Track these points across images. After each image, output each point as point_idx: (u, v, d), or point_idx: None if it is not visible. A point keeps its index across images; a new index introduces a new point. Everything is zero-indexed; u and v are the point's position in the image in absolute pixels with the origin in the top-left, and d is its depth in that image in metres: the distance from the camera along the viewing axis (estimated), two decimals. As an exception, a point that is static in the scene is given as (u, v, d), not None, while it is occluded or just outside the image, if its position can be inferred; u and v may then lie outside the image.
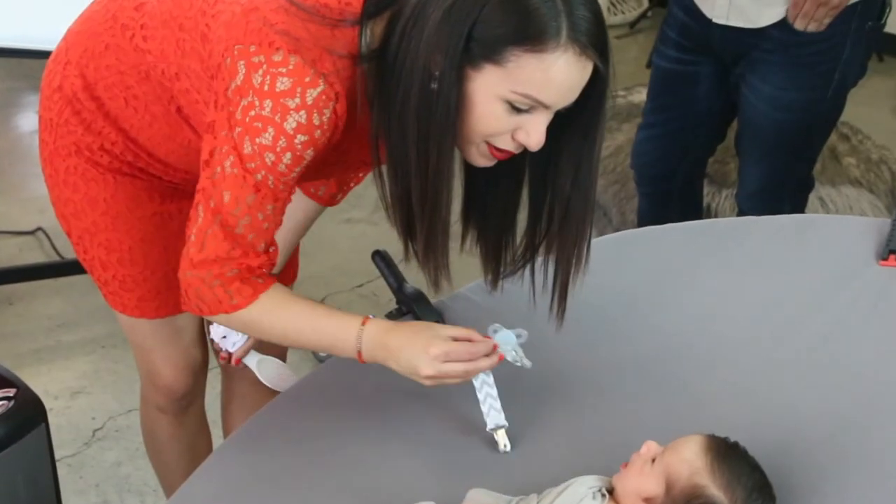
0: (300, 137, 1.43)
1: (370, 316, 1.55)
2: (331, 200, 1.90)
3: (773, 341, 1.80)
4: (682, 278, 1.94)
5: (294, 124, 1.42)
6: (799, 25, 2.44)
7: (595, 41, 1.39)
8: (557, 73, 1.38)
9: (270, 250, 1.54)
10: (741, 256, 1.99)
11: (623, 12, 5.82)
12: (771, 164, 2.70)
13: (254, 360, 1.89)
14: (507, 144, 1.46)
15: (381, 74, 1.45)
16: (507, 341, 1.57)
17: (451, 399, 1.67)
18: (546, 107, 1.41)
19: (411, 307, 1.84)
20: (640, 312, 1.86)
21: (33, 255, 3.45)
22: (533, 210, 1.60)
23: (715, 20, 2.55)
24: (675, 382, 1.71)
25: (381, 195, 1.52)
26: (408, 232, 1.53)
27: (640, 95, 3.63)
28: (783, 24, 2.47)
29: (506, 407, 1.59)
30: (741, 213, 2.83)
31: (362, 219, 3.65)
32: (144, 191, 1.77)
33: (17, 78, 4.51)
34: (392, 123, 1.44)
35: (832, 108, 2.61)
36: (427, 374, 1.50)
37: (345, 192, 1.91)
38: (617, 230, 3.41)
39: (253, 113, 1.42)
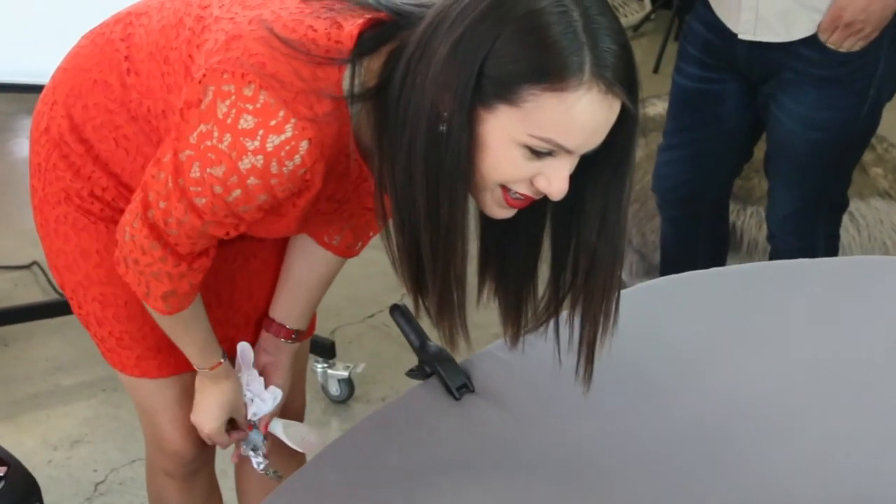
0: (252, 180, 1.34)
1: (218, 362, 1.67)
2: (348, 251, 1.77)
3: (846, 404, 1.63)
4: (735, 331, 1.77)
5: (248, 165, 1.33)
6: (831, 45, 2.31)
7: (622, 77, 1.24)
8: (580, 114, 1.24)
9: (195, 264, 1.50)
10: (802, 305, 1.81)
11: (625, 16, 5.67)
12: (805, 186, 2.55)
13: (279, 427, 1.80)
14: (524, 189, 1.32)
15: (382, 115, 1.32)
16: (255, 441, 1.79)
17: (484, 471, 1.52)
18: (569, 151, 1.27)
19: (435, 368, 1.69)
20: (689, 372, 1.69)
21: (29, 291, 3.30)
22: (556, 260, 1.46)
23: (741, 36, 2.40)
24: (735, 455, 1.54)
25: (387, 247, 1.39)
26: (418, 288, 1.40)
27: (655, 108, 3.47)
28: (814, 41, 2.33)
29: (533, 484, 1.48)
30: (772, 235, 2.68)
31: (371, 244, 3.50)
32: None
33: (10, 101, 4.36)
34: (397, 169, 1.31)
35: (867, 125, 2.47)
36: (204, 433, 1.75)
37: (364, 241, 1.78)
38: (638, 252, 3.26)
39: (209, 143, 1.34)
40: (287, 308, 1.80)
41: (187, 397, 1.75)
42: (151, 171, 1.44)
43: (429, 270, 1.35)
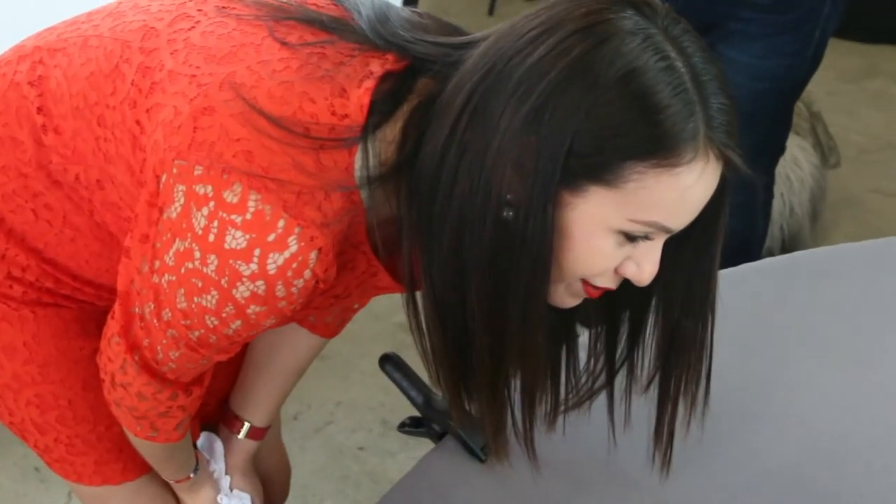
0: (254, 308, 1.11)
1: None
2: (326, 330, 1.52)
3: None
4: (807, 338, 1.57)
5: (247, 293, 1.09)
6: None
7: (733, 136, 1.07)
8: (695, 190, 1.05)
9: (206, 381, 1.29)
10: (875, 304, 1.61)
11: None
12: (748, 139, 2.42)
13: None
14: (607, 281, 1.13)
15: (410, 195, 1.09)
16: None
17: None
18: (669, 232, 1.09)
19: (449, 427, 1.49)
20: (769, 397, 1.50)
21: None
22: (610, 329, 1.28)
23: (681, -17, 2.25)
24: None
25: (421, 351, 1.17)
26: (460, 394, 1.20)
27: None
28: None
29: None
30: (706, 192, 2.57)
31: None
32: (76, 322, 1.38)
33: None
34: (437, 263, 1.09)
35: (811, 67, 2.39)
36: None
37: (348, 317, 1.52)
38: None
39: (191, 265, 1.09)
40: (241, 395, 1.56)
41: (166, 497, 1.50)
42: (125, 306, 1.19)
43: (485, 396, 1.16)
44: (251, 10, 1.18)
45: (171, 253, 1.11)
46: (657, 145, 1.02)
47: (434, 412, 1.51)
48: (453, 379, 1.17)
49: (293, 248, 1.06)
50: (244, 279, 1.07)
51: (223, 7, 1.20)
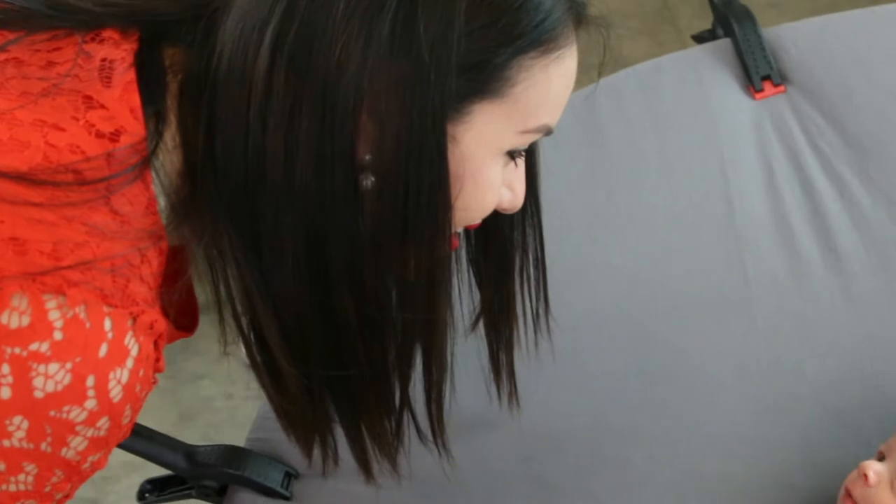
0: (93, 457, 0.80)
1: None
2: None
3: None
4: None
5: (83, 445, 0.78)
6: None
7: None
8: (572, 71, 0.87)
9: None
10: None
11: None
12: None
13: None
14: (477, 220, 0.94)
15: (222, 208, 0.82)
16: None
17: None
18: (550, 134, 0.91)
19: (234, 476, 1.22)
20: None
21: None
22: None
23: None
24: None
25: (273, 402, 0.95)
26: (328, 436, 1.01)
27: None
28: None
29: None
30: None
31: None
32: None
33: None
34: (280, 284, 0.84)
35: None
36: None
37: None
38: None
39: None
40: None
41: None
42: None
43: (377, 420, 0.96)
44: None
45: None
46: (541, 30, 0.83)
47: (203, 467, 1.23)
48: (324, 421, 0.96)
49: (134, 350, 0.77)
50: (79, 427, 0.77)
51: None
